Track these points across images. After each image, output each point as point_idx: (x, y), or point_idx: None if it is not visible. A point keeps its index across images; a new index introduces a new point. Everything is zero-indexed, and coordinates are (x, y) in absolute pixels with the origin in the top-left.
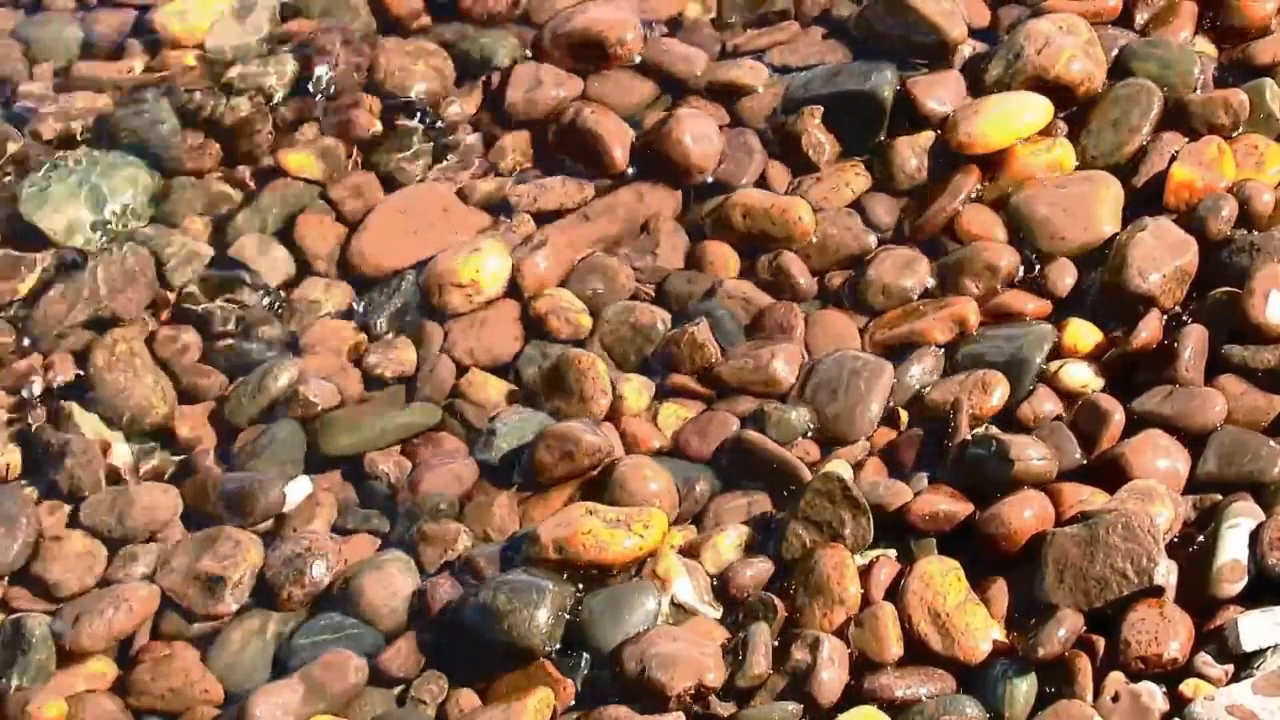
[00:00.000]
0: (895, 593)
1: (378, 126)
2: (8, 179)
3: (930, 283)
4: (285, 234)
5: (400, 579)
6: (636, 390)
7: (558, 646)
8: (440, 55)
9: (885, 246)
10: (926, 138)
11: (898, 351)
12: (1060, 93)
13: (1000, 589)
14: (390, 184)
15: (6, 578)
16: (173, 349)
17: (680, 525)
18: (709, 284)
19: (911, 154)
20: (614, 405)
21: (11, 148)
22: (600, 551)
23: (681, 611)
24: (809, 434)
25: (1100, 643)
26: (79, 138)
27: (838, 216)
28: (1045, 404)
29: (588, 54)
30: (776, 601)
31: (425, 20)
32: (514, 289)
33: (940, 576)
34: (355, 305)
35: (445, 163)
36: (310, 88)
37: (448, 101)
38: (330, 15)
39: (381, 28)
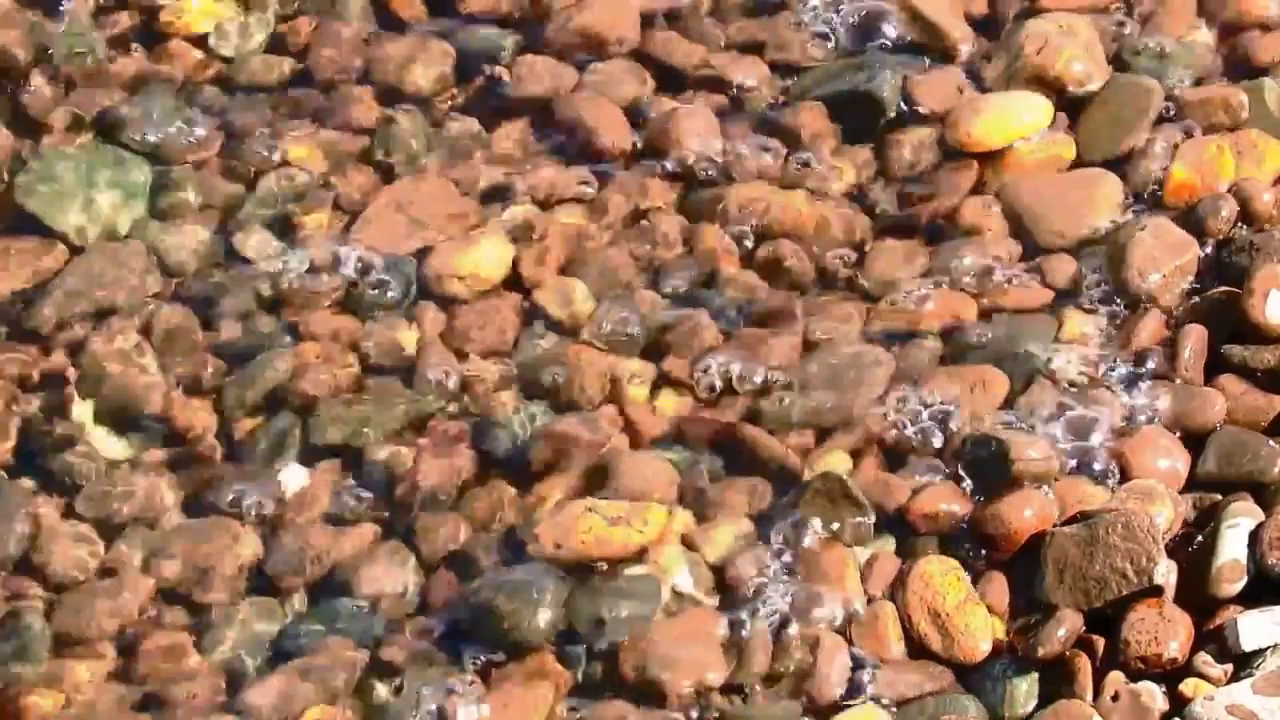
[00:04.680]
0: (895, 591)
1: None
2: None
3: (929, 275)
4: (285, 225)
5: (399, 570)
6: (636, 378)
7: (557, 642)
8: (439, 48)
9: (884, 238)
10: (926, 135)
11: (897, 342)
12: (1060, 91)
13: (1000, 588)
14: (389, 175)
15: (4, 568)
16: (172, 338)
17: (680, 516)
18: (708, 272)
19: (911, 151)
20: (613, 394)
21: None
22: (600, 548)
23: (682, 606)
24: (807, 425)
25: (1100, 643)
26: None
27: (837, 208)
28: (1044, 400)
29: (588, 46)
30: (776, 599)
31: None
32: (513, 277)
33: (940, 576)
34: (355, 293)
35: (444, 153)
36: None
37: (447, 93)
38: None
39: (380, 23)
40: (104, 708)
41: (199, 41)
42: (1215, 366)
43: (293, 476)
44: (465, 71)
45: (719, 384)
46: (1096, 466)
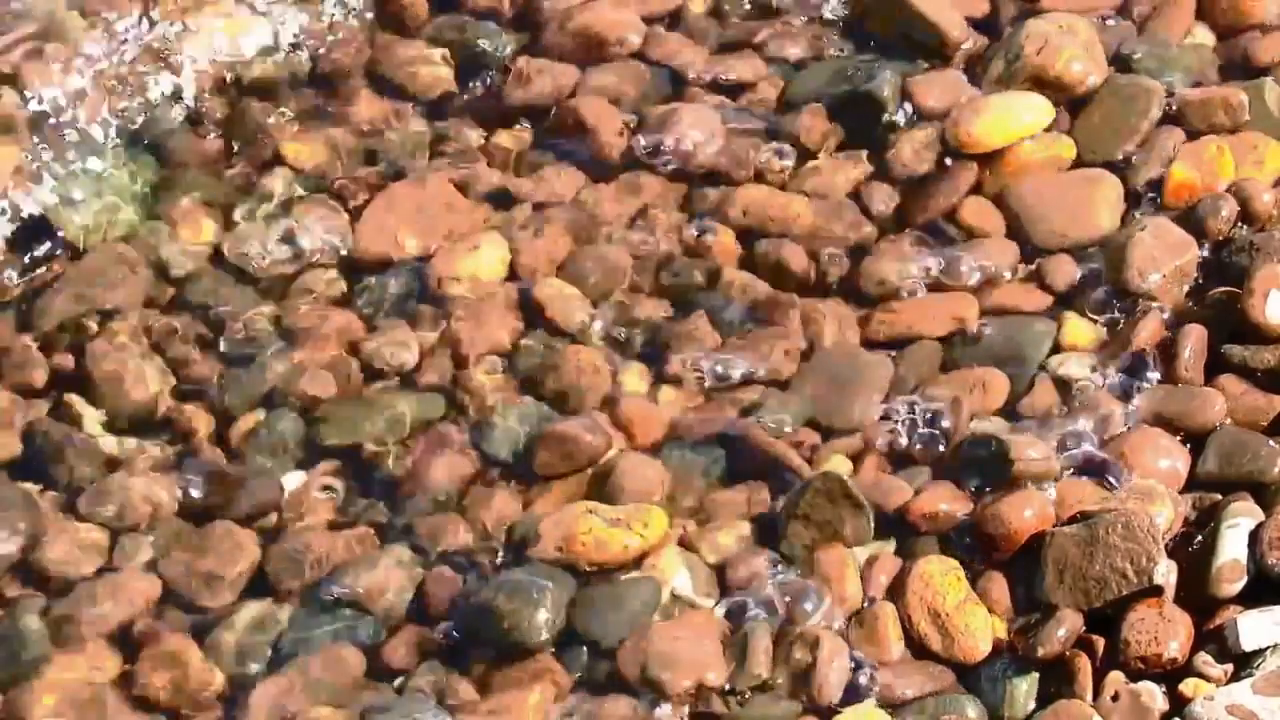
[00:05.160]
0: (895, 591)
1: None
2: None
3: (929, 277)
4: (286, 226)
5: (399, 572)
6: (636, 379)
7: (557, 643)
8: (442, 48)
9: (884, 239)
10: (927, 136)
11: (896, 344)
12: (1060, 91)
13: (1000, 588)
14: (391, 176)
15: (5, 568)
16: (172, 340)
17: (679, 516)
18: (708, 273)
19: (911, 152)
20: (613, 394)
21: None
22: (600, 550)
23: (681, 606)
24: (807, 427)
25: (1100, 643)
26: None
27: (837, 209)
28: (1045, 401)
29: (588, 48)
30: (776, 599)
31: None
32: (513, 279)
33: (940, 576)
34: (355, 295)
35: (445, 154)
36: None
37: (449, 93)
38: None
39: (384, 23)
40: (103, 709)
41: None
42: (1215, 366)
43: (292, 478)
44: (467, 72)
45: (710, 381)
46: (1096, 467)
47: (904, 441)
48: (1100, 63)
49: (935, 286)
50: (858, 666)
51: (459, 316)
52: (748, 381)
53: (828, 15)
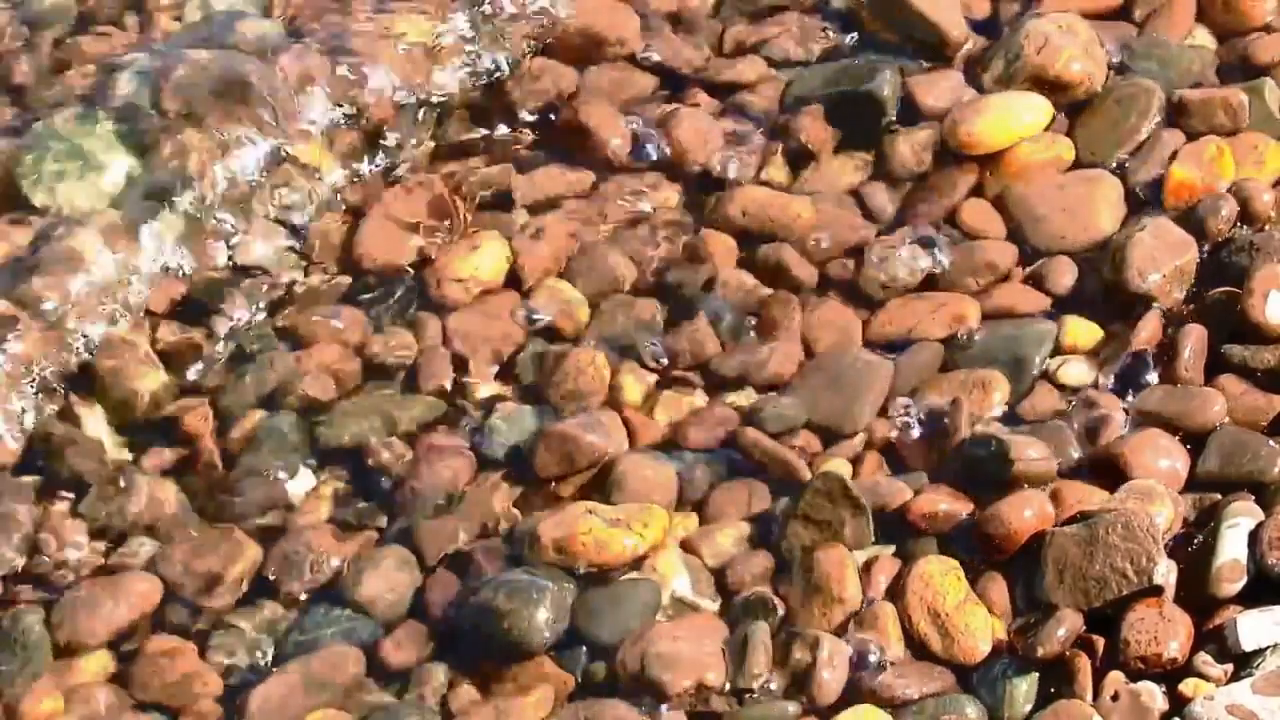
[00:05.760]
0: (895, 592)
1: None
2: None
3: (929, 277)
4: (286, 226)
5: (399, 573)
6: (635, 382)
7: (557, 644)
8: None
9: (884, 240)
10: (926, 136)
11: (897, 346)
12: (1060, 92)
13: (1000, 588)
14: (392, 177)
15: (6, 569)
16: (175, 341)
17: (679, 517)
18: (708, 275)
19: (911, 152)
20: (612, 397)
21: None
22: (600, 551)
23: (681, 607)
24: (806, 428)
25: (1100, 642)
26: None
27: (837, 211)
28: (1045, 402)
29: (589, 48)
30: (775, 600)
31: None
32: (513, 280)
33: (940, 576)
34: (355, 297)
35: (445, 155)
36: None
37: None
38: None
39: None
40: (104, 712)
41: None
42: (1215, 366)
43: (293, 479)
44: (468, 73)
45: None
46: (1096, 467)
47: (904, 442)
48: (1100, 62)
49: (936, 287)
50: (857, 667)
51: (459, 318)
52: (744, 381)
53: (828, 15)
